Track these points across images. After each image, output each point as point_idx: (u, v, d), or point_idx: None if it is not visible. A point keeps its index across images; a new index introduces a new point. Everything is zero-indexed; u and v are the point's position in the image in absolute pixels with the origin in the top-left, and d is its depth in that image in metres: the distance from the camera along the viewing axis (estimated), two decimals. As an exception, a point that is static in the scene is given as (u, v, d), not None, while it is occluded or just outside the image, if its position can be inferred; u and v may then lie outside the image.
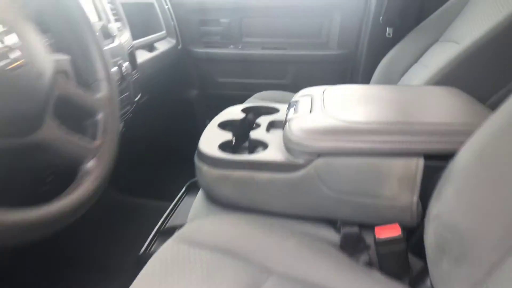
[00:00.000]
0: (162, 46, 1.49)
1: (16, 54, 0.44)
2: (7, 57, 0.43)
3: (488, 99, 0.99)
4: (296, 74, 1.73)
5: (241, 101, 1.58)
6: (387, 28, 1.50)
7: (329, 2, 1.64)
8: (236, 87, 1.79)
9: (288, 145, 0.74)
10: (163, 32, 1.55)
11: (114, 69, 0.90)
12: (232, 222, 0.72)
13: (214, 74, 1.79)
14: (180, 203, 1.11)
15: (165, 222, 1.02)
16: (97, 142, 0.54)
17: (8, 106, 0.43)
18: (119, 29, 1.03)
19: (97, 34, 0.63)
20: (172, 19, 1.65)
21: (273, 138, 0.84)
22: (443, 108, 0.79)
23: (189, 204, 0.91)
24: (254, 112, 1.08)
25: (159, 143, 1.79)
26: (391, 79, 1.45)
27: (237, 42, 1.75)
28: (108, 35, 0.93)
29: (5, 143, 0.43)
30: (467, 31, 1.14)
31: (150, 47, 1.39)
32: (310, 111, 0.81)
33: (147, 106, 1.47)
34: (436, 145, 0.68)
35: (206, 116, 1.89)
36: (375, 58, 1.52)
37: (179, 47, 1.68)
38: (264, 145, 0.82)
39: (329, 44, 1.70)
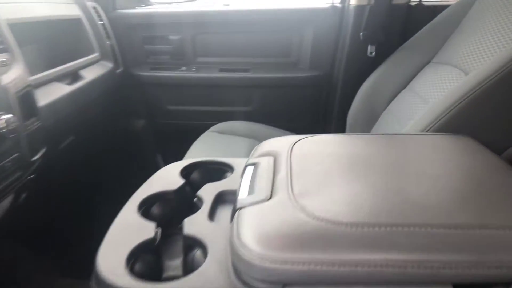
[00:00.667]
0: (92, 73, 1.18)
1: None
2: None
3: (504, 150, 0.75)
4: (262, 100, 1.46)
5: (197, 133, 1.30)
6: (369, 46, 1.25)
7: (299, 16, 1.38)
8: (191, 117, 1.50)
9: (235, 264, 0.46)
10: (95, 54, 1.25)
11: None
12: None
13: (163, 101, 1.50)
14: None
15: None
16: None
17: None
18: (4, 64, 0.73)
19: None
20: (108, 37, 1.35)
21: (217, 234, 0.55)
22: (472, 188, 0.52)
23: None
24: (199, 171, 0.80)
25: (91, 194, 1.47)
26: (376, 107, 1.20)
27: (190, 63, 1.46)
28: (-28, 77, 0.62)
29: None
30: (474, 57, 0.89)
31: (72, 77, 1.09)
32: (271, 194, 0.53)
33: (73, 150, 1.17)
34: (474, 270, 0.41)
35: (157, 150, 1.60)
36: (355, 81, 1.27)
37: (119, 70, 1.38)
38: (203, 248, 0.54)
39: (300, 64, 1.43)
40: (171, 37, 1.43)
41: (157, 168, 1.34)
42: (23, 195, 0.84)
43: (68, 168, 1.27)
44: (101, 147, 1.44)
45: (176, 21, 1.42)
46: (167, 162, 1.60)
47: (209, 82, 1.42)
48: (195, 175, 0.79)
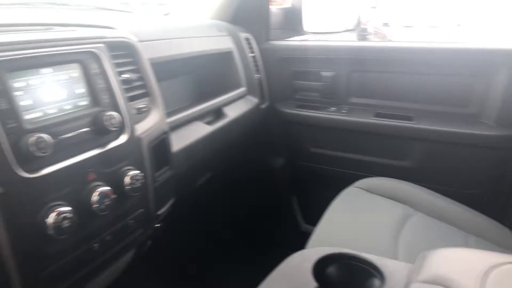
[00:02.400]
0: (236, 110, 1.11)
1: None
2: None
3: None
4: (424, 157, 1.19)
5: (339, 182, 1.12)
6: None
7: (487, 57, 1.09)
8: (334, 163, 1.32)
9: None
10: (243, 89, 1.18)
11: (104, 189, 0.55)
12: None
13: (306, 142, 1.36)
14: None
15: None
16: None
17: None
18: (141, 111, 0.68)
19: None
20: (257, 70, 1.27)
21: None
22: None
23: None
24: (337, 267, 0.62)
25: (223, 230, 1.42)
26: None
27: (341, 103, 1.29)
28: (104, 130, 0.57)
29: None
30: None
31: (215, 114, 1.03)
32: None
33: (209, 187, 1.13)
34: None
35: (292, 192, 1.47)
36: None
37: (264, 106, 1.29)
38: None
39: (483, 117, 1.12)
40: (324, 73, 1.28)
41: (290, 211, 1.14)
42: (148, 243, 0.79)
43: (203, 205, 1.25)
44: (236, 183, 1.38)
45: (330, 56, 1.27)
46: (302, 207, 1.47)
47: (361, 128, 1.23)
48: (331, 272, 0.62)
